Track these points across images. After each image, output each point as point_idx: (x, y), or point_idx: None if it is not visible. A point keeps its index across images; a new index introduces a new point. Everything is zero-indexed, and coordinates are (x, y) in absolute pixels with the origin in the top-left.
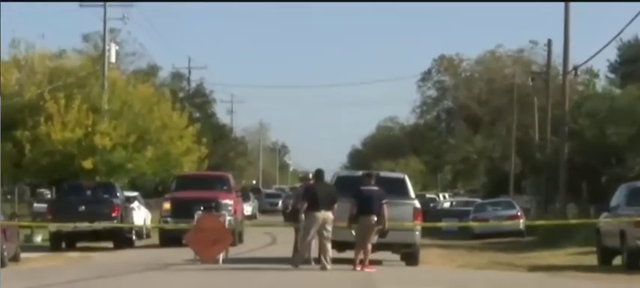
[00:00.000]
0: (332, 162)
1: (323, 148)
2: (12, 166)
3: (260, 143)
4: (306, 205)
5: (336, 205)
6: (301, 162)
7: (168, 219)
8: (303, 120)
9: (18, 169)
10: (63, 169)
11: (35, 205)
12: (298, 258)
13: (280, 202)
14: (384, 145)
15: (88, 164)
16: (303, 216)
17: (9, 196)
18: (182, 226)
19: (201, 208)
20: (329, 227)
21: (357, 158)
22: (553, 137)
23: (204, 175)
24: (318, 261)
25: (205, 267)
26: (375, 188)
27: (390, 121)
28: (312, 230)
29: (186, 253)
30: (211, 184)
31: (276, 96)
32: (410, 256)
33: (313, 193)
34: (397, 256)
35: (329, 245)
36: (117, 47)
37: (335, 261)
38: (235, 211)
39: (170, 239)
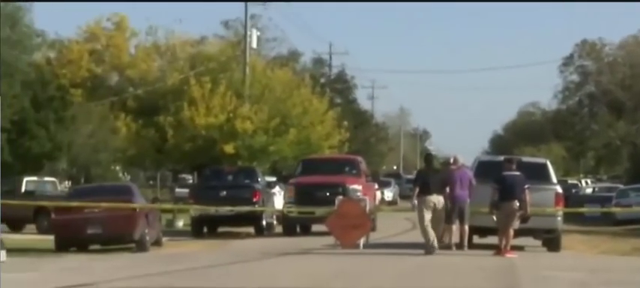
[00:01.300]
0: (473, 147)
1: (464, 134)
2: (154, 152)
3: (401, 129)
4: (417, 190)
5: (447, 189)
6: (442, 147)
7: (292, 205)
8: (445, 105)
9: (160, 154)
10: (205, 154)
11: (177, 189)
12: (430, 244)
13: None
14: (525, 131)
15: (229, 149)
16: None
17: (151, 182)
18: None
19: (327, 193)
20: (440, 211)
21: (498, 144)
22: None
23: (331, 158)
24: (459, 246)
25: (346, 252)
26: (517, 173)
27: (532, 106)
28: (427, 214)
29: (324, 240)
30: (339, 168)
31: (417, 81)
32: (552, 241)
33: (424, 178)
34: (539, 242)
35: (440, 227)
36: (258, 33)
37: (477, 246)
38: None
39: (294, 227)
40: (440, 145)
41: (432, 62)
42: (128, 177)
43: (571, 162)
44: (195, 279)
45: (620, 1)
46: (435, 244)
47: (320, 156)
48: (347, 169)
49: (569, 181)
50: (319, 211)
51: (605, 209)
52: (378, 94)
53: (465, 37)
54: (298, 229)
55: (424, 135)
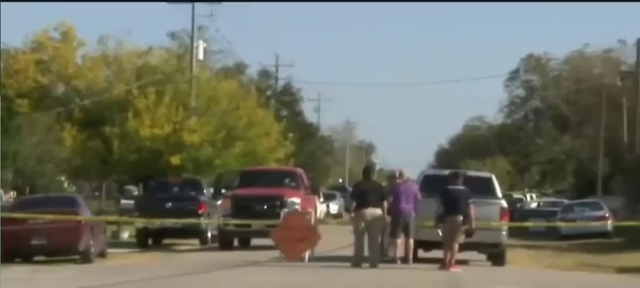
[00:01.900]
0: (419, 161)
1: (410, 147)
2: (100, 163)
3: (346, 142)
4: (354, 203)
5: (385, 203)
6: (388, 160)
7: (229, 218)
8: (390, 118)
9: (106, 165)
10: (151, 165)
11: (122, 201)
12: (357, 257)
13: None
14: (471, 145)
15: (175, 160)
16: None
17: (97, 193)
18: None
19: (265, 206)
20: (376, 224)
21: (444, 157)
22: None
23: (270, 170)
24: (404, 260)
25: (292, 264)
26: (462, 188)
27: (478, 120)
28: (360, 226)
29: (268, 253)
30: (278, 180)
31: (363, 94)
32: (496, 256)
33: (360, 191)
34: (484, 256)
35: (377, 244)
36: (205, 44)
37: (421, 260)
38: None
39: (230, 241)
40: (386, 158)
41: (379, 75)
42: (74, 188)
43: (516, 176)
44: None
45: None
46: (396, 259)
47: (259, 168)
48: (286, 181)
49: (514, 196)
50: (256, 224)
51: (549, 223)
52: (324, 107)
53: (411, 50)
54: (236, 243)
55: (370, 148)
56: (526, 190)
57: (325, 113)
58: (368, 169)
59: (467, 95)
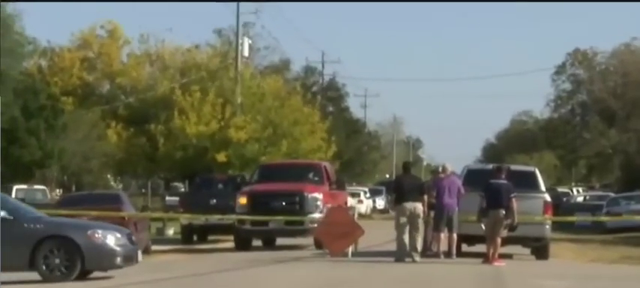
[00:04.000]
0: (466, 156)
1: (457, 142)
2: (145, 160)
3: (394, 137)
4: (394, 197)
5: (426, 196)
6: (435, 155)
7: (245, 216)
8: (437, 114)
9: (152, 163)
10: (196, 162)
11: (167, 198)
12: (400, 252)
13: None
14: (517, 139)
15: (221, 157)
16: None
17: (143, 190)
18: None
19: (283, 202)
20: (418, 218)
21: (490, 152)
22: None
23: (292, 164)
24: (447, 254)
25: (334, 260)
26: (504, 182)
27: (524, 114)
28: (402, 219)
29: (303, 253)
30: (299, 175)
31: (410, 90)
32: (540, 249)
33: (400, 185)
34: (528, 250)
35: (419, 237)
36: (250, 41)
37: (464, 254)
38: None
39: (247, 241)
40: (432, 154)
41: (425, 70)
42: (120, 185)
43: (563, 170)
44: (185, 287)
45: None
46: (439, 254)
47: (279, 161)
48: (309, 175)
49: (560, 190)
50: (273, 222)
51: (595, 218)
52: (370, 103)
53: (458, 45)
54: (259, 243)
55: (417, 143)
56: (573, 183)
57: (372, 109)
58: (408, 164)
59: (514, 90)
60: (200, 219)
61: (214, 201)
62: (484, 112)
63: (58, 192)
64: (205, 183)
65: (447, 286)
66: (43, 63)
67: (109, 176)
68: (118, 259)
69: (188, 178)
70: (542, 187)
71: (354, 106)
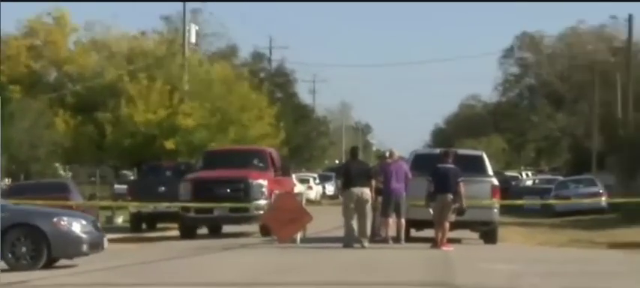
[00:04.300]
0: (415, 141)
1: (406, 127)
2: (94, 148)
3: (342, 123)
4: (340, 182)
5: (373, 182)
6: (385, 141)
7: (188, 204)
8: (386, 99)
9: (100, 151)
10: (145, 150)
11: (116, 186)
12: (348, 237)
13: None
14: (466, 123)
15: (169, 145)
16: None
17: (92, 179)
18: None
19: (228, 189)
20: (366, 203)
21: (440, 136)
22: (636, 113)
23: (237, 150)
24: (396, 239)
25: (283, 246)
26: (451, 166)
27: (473, 99)
28: (349, 205)
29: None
30: (244, 161)
31: (358, 75)
32: (488, 234)
33: (348, 171)
34: (476, 235)
35: (367, 222)
36: (197, 27)
37: (413, 239)
38: (271, 193)
39: (192, 229)
40: (382, 139)
41: (374, 56)
42: (69, 174)
43: (512, 154)
44: (135, 275)
45: None
46: (388, 239)
47: (224, 148)
48: (254, 161)
49: (509, 173)
50: (218, 209)
51: (543, 201)
52: (319, 88)
53: (406, 29)
54: (205, 231)
55: (366, 129)
56: (522, 167)
57: (320, 95)
58: (355, 149)
59: (462, 74)
60: (148, 207)
61: (162, 188)
62: (433, 96)
63: (7, 181)
64: (153, 171)
65: (396, 271)
66: None
67: (57, 165)
68: (85, 246)
69: (137, 166)
70: (490, 171)
71: (302, 92)
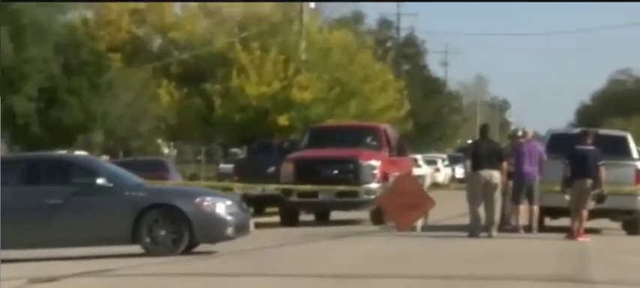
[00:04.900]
0: (558, 119)
1: (548, 104)
2: (201, 123)
3: (477, 99)
4: (469, 163)
5: (505, 164)
6: (524, 119)
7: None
8: (526, 72)
9: (207, 126)
10: (256, 126)
11: (221, 165)
12: (475, 226)
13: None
14: (616, 101)
15: (283, 121)
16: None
17: (199, 157)
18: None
19: (335, 171)
20: (495, 188)
21: (585, 115)
22: None
23: (346, 126)
24: (527, 229)
25: (401, 234)
26: (591, 148)
27: (623, 73)
28: (476, 190)
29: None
30: (355, 139)
31: (495, 46)
32: (631, 223)
33: (476, 151)
34: (618, 225)
35: (496, 209)
36: None
37: (547, 229)
38: (385, 175)
39: (295, 215)
40: (522, 117)
41: (512, 25)
42: (175, 151)
43: None
44: (244, 263)
45: None
46: (519, 228)
47: (332, 124)
48: (366, 140)
49: None
50: (323, 192)
51: None
52: (451, 60)
53: None
54: (310, 218)
55: (503, 105)
56: None
57: (454, 67)
58: (485, 127)
59: (611, 46)
60: (256, 189)
61: (273, 169)
62: (578, 70)
63: (105, 159)
64: (264, 149)
65: (525, 264)
66: (89, 15)
67: (160, 141)
68: (230, 230)
69: (247, 144)
70: (635, 154)
71: (433, 64)
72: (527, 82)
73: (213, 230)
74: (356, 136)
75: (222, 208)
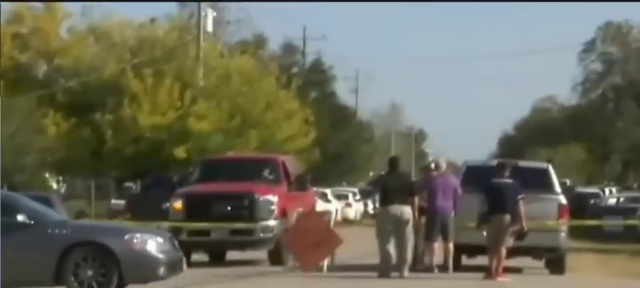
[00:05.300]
0: (479, 150)
1: (468, 134)
2: (90, 156)
3: (391, 129)
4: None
5: (416, 199)
6: (443, 150)
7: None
8: (444, 100)
9: (97, 159)
10: (151, 158)
11: (113, 201)
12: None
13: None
14: (540, 130)
15: (180, 153)
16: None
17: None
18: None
19: (228, 207)
20: (406, 224)
21: (508, 145)
22: None
23: (240, 158)
24: (442, 268)
25: (307, 275)
26: (509, 181)
27: (548, 101)
28: (386, 226)
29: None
30: (251, 172)
31: (411, 72)
32: (554, 262)
33: (384, 185)
34: (541, 263)
35: (408, 247)
36: (214, 13)
37: (464, 268)
38: (284, 211)
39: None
40: (440, 148)
41: (430, 49)
42: (63, 186)
43: (595, 166)
44: None
45: None
46: (433, 268)
47: (224, 156)
48: (264, 173)
49: (588, 190)
50: (216, 230)
51: (624, 222)
52: (364, 87)
53: (469, 19)
54: (205, 258)
55: (420, 135)
56: (606, 183)
57: (366, 95)
58: (394, 160)
59: (535, 72)
60: (150, 226)
61: (167, 204)
62: (500, 98)
63: None
64: (157, 183)
65: None
66: None
67: (47, 175)
68: (162, 269)
69: (141, 178)
70: (557, 187)
71: (343, 91)
72: (446, 110)
73: (144, 270)
74: (251, 169)
75: (153, 245)
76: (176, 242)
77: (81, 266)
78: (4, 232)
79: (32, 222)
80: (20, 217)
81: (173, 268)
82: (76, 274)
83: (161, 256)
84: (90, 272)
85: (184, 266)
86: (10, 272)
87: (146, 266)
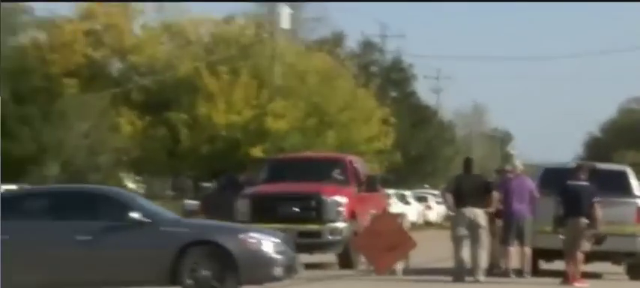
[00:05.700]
0: (565, 152)
1: (555, 136)
2: (166, 155)
3: (471, 129)
4: (450, 199)
5: (495, 194)
6: (528, 152)
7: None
8: (531, 101)
9: (174, 158)
10: (227, 158)
11: (186, 201)
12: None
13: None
14: (629, 132)
15: (256, 152)
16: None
17: (168, 191)
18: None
19: (294, 208)
20: (480, 228)
21: (595, 148)
22: None
23: (309, 158)
24: (519, 273)
25: (380, 278)
26: (585, 184)
27: (636, 102)
28: (459, 230)
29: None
30: (320, 173)
31: (495, 71)
32: (635, 268)
33: (458, 187)
34: (621, 268)
35: (483, 252)
36: (290, 10)
37: (541, 273)
38: (353, 213)
39: None
40: (525, 150)
41: (513, 47)
42: (142, 186)
43: None
44: None
45: None
46: (509, 272)
47: (293, 155)
48: (333, 173)
49: None
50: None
51: None
52: (445, 86)
53: (554, 16)
54: None
55: (506, 137)
56: None
57: (447, 95)
58: (469, 161)
59: (623, 71)
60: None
61: None
62: (588, 98)
63: None
64: (232, 183)
65: None
66: (41, 37)
67: (123, 175)
68: (278, 270)
69: (217, 178)
70: (636, 191)
71: (423, 91)
72: (531, 111)
73: (260, 270)
74: (320, 169)
75: (269, 245)
76: (293, 244)
77: (197, 266)
78: (121, 230)
79: (149, 220)
80: (137, 215)
81: (289, 269)
82: (193, 274)
83: (278, 256)
84: (207, 272)
85: (300, 268)
86: (126, 270)
87: (262, 267)
